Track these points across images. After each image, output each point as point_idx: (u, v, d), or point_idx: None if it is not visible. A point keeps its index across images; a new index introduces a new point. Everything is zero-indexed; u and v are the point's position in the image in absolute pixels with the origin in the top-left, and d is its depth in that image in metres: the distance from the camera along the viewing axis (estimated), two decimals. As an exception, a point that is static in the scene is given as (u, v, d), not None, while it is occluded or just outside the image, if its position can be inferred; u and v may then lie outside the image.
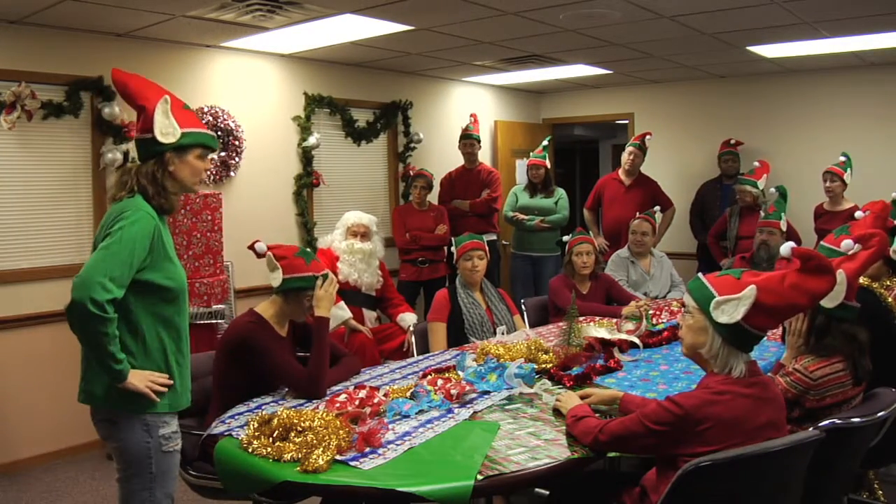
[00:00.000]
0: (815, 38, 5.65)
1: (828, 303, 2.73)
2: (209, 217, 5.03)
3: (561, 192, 6.86)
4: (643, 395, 2.94)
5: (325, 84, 6.44)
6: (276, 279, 3.17)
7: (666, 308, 4.73)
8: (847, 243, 2.90)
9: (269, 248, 3.22)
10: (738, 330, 2.25)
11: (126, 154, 4.98)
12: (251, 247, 3.27)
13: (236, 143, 5.70)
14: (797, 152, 7.19)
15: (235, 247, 5.13)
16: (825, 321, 2.77)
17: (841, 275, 2.69)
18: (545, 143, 6.95)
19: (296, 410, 2.58)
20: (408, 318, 5.15)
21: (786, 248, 2.37)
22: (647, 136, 6.77)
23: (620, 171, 6.84)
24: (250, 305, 3.31)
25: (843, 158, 6.06)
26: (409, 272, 6.36)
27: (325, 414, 2.56)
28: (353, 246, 5.06)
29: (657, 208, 5.98)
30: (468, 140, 6.89)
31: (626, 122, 8.40)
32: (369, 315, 5.13)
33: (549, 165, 6.87)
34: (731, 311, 2.25)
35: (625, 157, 6.75)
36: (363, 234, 5.12)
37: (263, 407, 2.89)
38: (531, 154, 6.91)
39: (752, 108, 7.47)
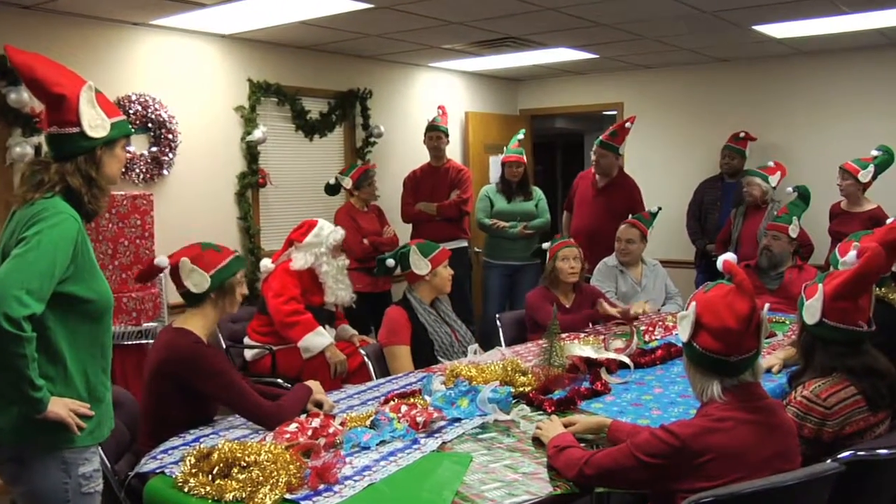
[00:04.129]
0: (831, 15, 5.65)
1: (808, 319, 2.80)
2: (138, 221, 4.99)
3: (539, 194, 6.88)
4: (634, 421, 2.96)
5: (272, 70, 6.42)
6: (203, 281, 3.18)
7: (660, 323, 4.77)
8: (851, 255, 2.95)
9: (171, 257, 3.21)
10: (695, 351, 2.35)
11: (38, 148, 4.91)
12: (149, 270, 3.20)
13: (170, 136, 5.65)
14: (811, 145, 7.24)
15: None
16: (810, 339, 2.83)
17: (820, 290, 2.75)
18: (520, 136, 6.95)
19: (239, 443, 2.57)
20: (348, 328, 5.31)
21: (720, 261, 2.42)
22: (627, 124, 6.50)
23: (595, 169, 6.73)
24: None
25: (875, 153, 5.98)
26: (364, 283, 6.27)
27: (272, 446, 2.55)
28: (342, 263, 5.08)
29: (656, 207, 5.97)
30: (435, 133, 6.88)
31: (615, 112, 8.48)
32: (329, 332, 5.13)
33: (526, 162, 6.89)
34: (685, 328, 2.38)
35: (592, 157, 6.60)
36: (341, 246, 5.15)
37: (202, 439, 2.87)
38: (506, 149, 6.89)
39: (759, 96, 7.54)
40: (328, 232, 5.05)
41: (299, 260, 4.97)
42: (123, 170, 5.34)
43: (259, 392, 3.21)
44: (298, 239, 5.02)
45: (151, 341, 4.87)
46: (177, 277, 3.21)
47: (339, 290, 5.05)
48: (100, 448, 2.61)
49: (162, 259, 3.19)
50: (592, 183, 6.63)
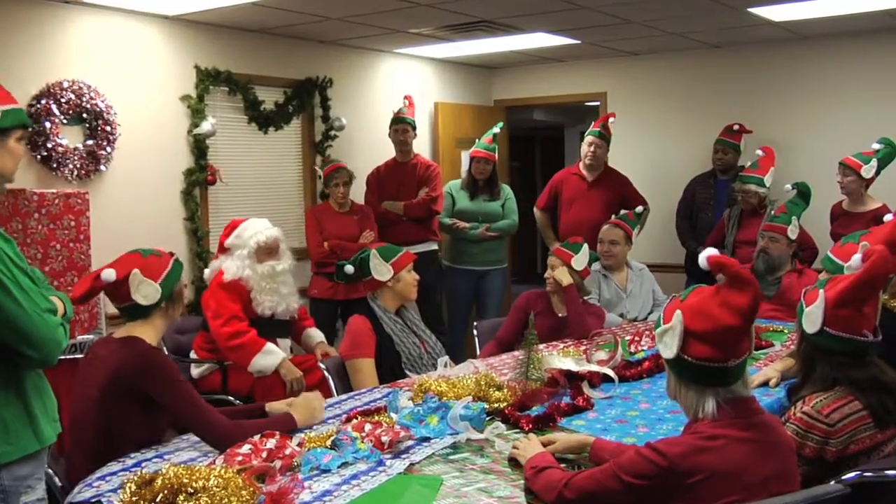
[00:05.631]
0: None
1: (808, 327, 2.82)
2: (72, 223, 4.94)
3: (508, 193, 6.92)
4: (619, 440, 2.98)
5: (221, 56, 6.40)
6: (154, 292, 3.20)
7: (647, 333, 4.80)
8: (856, 259, 2.98)
9: (117, 267, 3.19)
10: (685, 365, 2.34)
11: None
12: (92, 288, 3.17)
13: (108, 128, 5.61)
14: (812, 138, 7.29)
15: (107, 260, 5.03)
16: (810, 350, 2.86)
17: (821, 296, 2.78)
18: (496, 130, 6.98)
19: (186, 467, 2.54)
20: (314, 335, 5.27)
21: (702, 257, 2.41)
22: (611, 120, 6.84)
23: (581, 165, 6.94)
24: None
25: (876, 146, 6.01)
26: (322, 288, 6.30)
27: (223, 470, 2.53)
28: (276, 269, 4.97)
29: (640, 209, 6.03)
30: (401, 126, 6.90)
31: (597, 103, 8.54)
32: (284, 344, 5.11)
33: (497, 160, 6.92)
34: (670, 343, 2.35)
35: (584, 148, 6.84)
36: (275, 248, 5.07)
37: (143, 464, 2.86)
38: (477, 143, 6.93)
39: (755, 86, 7.59)
40: (251, 233, 4.95)
41: (231, 268, 4.91)
42: (55, 165, 5.30)
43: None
44: (224, 241, 5.00)
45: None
46: (118, 291, 3.19)
47: (266, 299, 4.93)
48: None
49: (109, 273, 3.14)
50: (581, 177, 6.87)
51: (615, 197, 6.77)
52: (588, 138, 6.82)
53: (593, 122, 6.94)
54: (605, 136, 6.79)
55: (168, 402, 3.05)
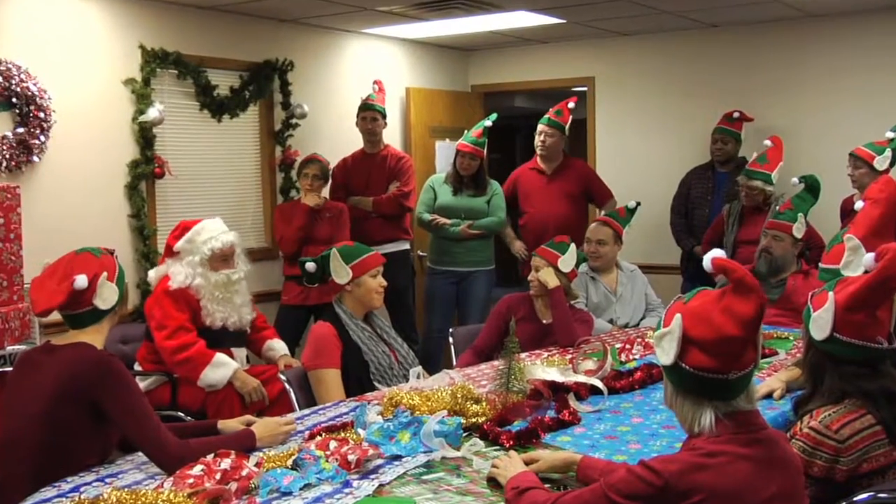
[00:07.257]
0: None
1: (816, 334, 2.83)
2: (1, 220, 4.90)
3: (495, 188, 6.94)
4: (609, 457, 2.99)
5: (170, 35, 6.37)
6: (112, 294, 3.22)
7: (638, 340, 4.81)
8: (868, 258, 2.99)
9: (82, 271, 3.18)
10: (683, 374, 2.33)
11: None
12: (71, 294, 3.15)
13: (41, 115, 5.56)
14: (821, 127, 7.32)
15: (42, 262, 4.99)
16: (818, 358, 2.86)
17: (830, 299, 2.79)
18: (487, 122, 6.96)
19: (130, 491, 2.54)
20: (277, 347, 5.25)
21: (707, 259, 2.40)
22: (570, 104, 6.93)
23: (538, 158, 7.08)
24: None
25: (890, 135, 6.04)
26: (293, 293, 6.33)
27: (172, 494, 2.52)
28: (231, 278, 4.96)
29: (634, 203, 6.04)
30: (369, 113, 6.91)
31: (584, 88, 8.55)
32: (239, 355, 5.09)
33: (484, 156, 6.93)
34: (668, 349, 2.34)
35: (536, 138, 7.00)
36: (231, 255, 5.05)
37: (83, 489, 2.83)
38: (465, 135, 6.91)
39: (758, 69, 7.62)
40: (204, 238, 4.91)
41: (178, 275, 4.87)
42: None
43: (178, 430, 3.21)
44: (172, 244, 4.95)
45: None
46: (80, 297, 3.17)
47: (218, 310, 4.90)
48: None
49: (82, 278, 3.14)
50: (538, 171, 7.07)
51: (577, 188, 6.96)
52: (539, 127, 6.96)
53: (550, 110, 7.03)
54: (556, 124, 6.91)
55: (119, 415, 3.04)
